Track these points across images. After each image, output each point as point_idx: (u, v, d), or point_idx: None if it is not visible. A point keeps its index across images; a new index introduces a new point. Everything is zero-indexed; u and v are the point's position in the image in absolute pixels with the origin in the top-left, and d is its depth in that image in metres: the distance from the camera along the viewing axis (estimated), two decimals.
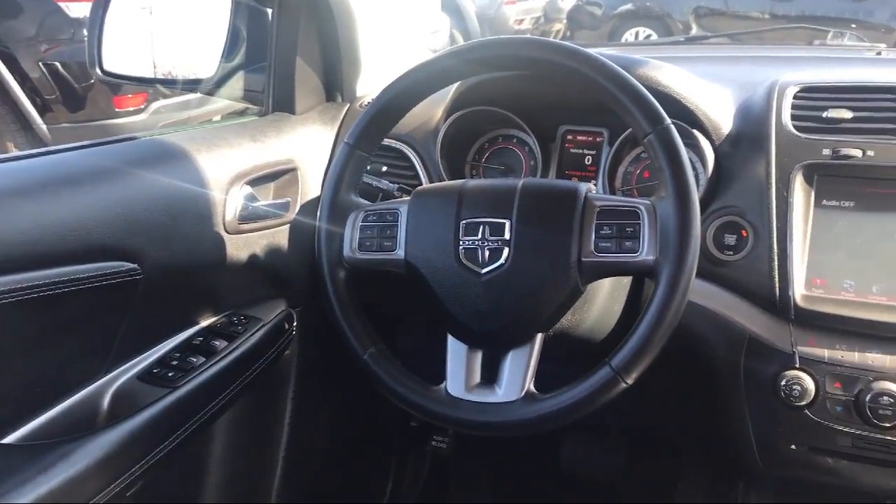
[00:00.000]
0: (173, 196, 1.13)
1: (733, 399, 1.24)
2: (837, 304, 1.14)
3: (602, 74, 1.00)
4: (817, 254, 1.16)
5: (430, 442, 1.97)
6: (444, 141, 1.41)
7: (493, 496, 2.02)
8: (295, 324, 1.38)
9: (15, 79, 4.21)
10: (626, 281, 1.16)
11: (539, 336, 1.02)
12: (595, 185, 1.36)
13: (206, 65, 1.54)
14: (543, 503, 1.96)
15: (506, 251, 1.02)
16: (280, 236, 1.33)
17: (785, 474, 1.33)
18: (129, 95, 4.45)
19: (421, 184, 1.40)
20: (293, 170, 1.37)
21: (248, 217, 1.26)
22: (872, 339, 1.13)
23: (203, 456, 1.33)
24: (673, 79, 1.28)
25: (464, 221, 1.04)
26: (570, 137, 1.43)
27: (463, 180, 1.11)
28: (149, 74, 1.57)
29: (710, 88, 1.33)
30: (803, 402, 1.14)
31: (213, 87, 1.58)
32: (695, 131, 1.26)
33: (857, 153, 1.15)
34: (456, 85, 1.39)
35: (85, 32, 1.50)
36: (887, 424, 1.11)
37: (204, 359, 1.18)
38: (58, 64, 4.28)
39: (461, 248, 1.03)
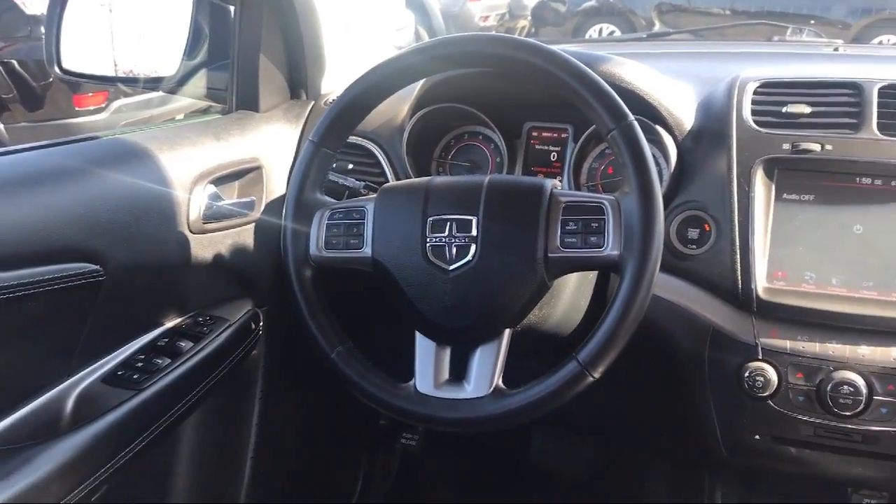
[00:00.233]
0: (136, 196, 1.12)
1: (698, 391, 1.26)
2: (798, 296, 1.17)
3: (565, 71, 1.01)
4: (778, 247, 1.18)
5: (400, 440, 1.97)
6: (410, 138, 1.41)
7: (463, 493, 2.03)
8: (261, 323, 1.37)
9: None
10: (592, 276, 1.17)
11: (507, 332, 1.03)
12: (560, 181, 1.37)
13: (168, 63, 1.53)
14: (513, 499, 1.96)
15: (473, 248, 1.02)
16: (245, 235, 1.32)
17: (749, 464, 1.35)
18: (90, 94, 4.39)
19: (387, 181, 1.40)
20: (258, 168, 1.36)
21: (213, 216, 1.24)
22: (833, 330, 1.16)
23: (170, 458, 1.32)
24: (635, 75, 1.29)
25: (431, 218, 1.04)
26: (535, 134, 1.44)
27: (429, 177, 1.11)
28: (109, 73, 1.54)
29: (672, 84, 1.35)
30: (766, 393, 1.16)
31: (176, 85, 1.57)
32: (657, 127, 1.27)
33: (816, 147, 1.17)
34: (421, 82, 1.39)
35: (42, 30, 1.48)
36: (847, 413, 1.13)
37: (169, 360, 1.16)
38: (14, 62, 4.20)
39: (428, 245, 1.04)
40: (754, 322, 1.18)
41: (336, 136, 1.13)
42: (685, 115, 1.30)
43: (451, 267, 1.02)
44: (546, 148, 1.43)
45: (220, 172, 1.27)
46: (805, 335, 1.16)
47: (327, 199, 1.14)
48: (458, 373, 1.05)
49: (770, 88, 1.25)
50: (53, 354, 1.06)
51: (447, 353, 1.06)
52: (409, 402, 1.05)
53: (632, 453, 1.94)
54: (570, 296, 1.11)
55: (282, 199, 1.27)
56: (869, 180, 1.16)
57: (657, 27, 6.49)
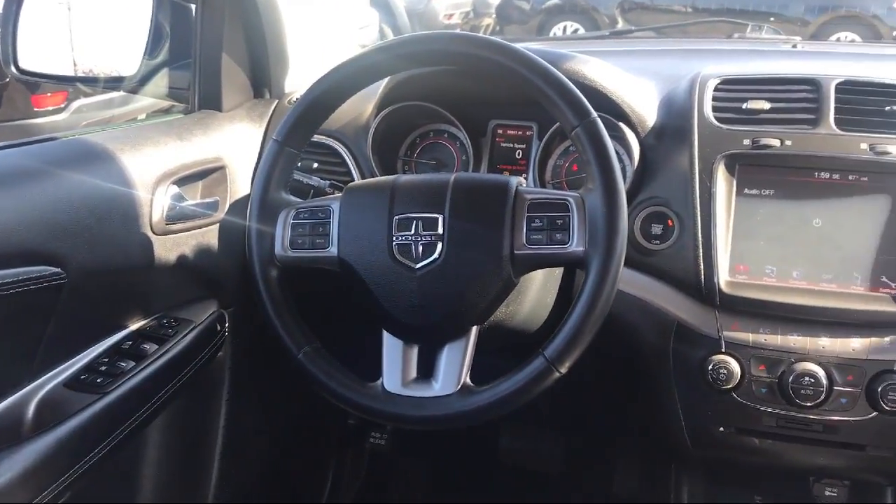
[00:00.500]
0: (97, 197, 1.10)
1: (663, 384, 1.27)
2: (760, 289, 1.19)
3: (529, 69, 1.02)
4: (740, 241, 1.20)
5: (369, 439, 1.96)
6: (376, 136, 1.40)
7: (433, 491, 2.03)
8: (227, 325, 1.36)
9: None
10: (558, 272, 1.18)
11: (474, 329, 1.03)
12: (526, 178, 1.38)
13: (129, 62, 1.51)
14: (483, 497, 1.97)
15: (439, 246, 1.02)
16: (210, 236, 1.31)
17: (714, 456, 1.37)
18: (49, 94, 4.31)
19: (353, 180, 1.39)
20: (221, 168, 1.34)
21: (176, 217, 1.23)
22: (793, 323, 1.18)
23: (136, 462, 1.30)
24: (599, 73, 1.30)
25: (397, 217, 1.04)
26: (500, 132, 1.45)
27: (395, 176, 1.11)
28: (68, 72, 1.52)
29: (634, 82, 1.36)
30: (730, 385, 1.18)
31: (137, 84, 1.55)
32: (621, 124, 1.28)
33: (776, 143, 1.19)
34: (386, 80, 1.38)
35: None
36: (809, 404, 1.15)
37: (134, 363, 1.15)
38: None
39: (395, 243, 1.03)
40: (717, 316, 1.20)
41: (300, 135, 1.12)
42: (648, 112, 1.31)
43: (418, 265, 1.02)
44: (511, 146, 1.44)
45: (183, 173, 1.26)
46: (767, 328, 1.18)
47: (292, 198, 1.14)
48: (426, 371, 1.05)
49: (730, 85, 1.27)
50: (14, 359, 1.04)
51: (415, 352, 1.06)
52: (377, 401, 1.05)
53: (600, 448, 1.95)
54: (536, 292, 1.12)
55: (246, 199, 1.26)
56: (827, 175, 1.19)
57: (620, 25, 6.54)
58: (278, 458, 1.72)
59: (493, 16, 8.14)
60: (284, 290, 1.10)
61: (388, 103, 1.41)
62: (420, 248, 1.02)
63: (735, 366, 1.18)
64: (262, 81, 1.53)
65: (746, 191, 1.21)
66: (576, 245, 0.99)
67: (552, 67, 1.02)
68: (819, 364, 1.15)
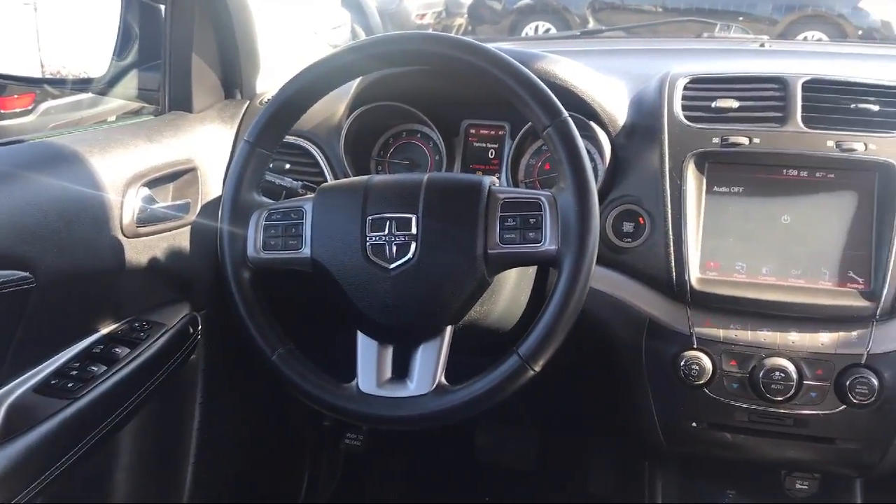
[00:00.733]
0: (66, 200, 1.09)
1: (636, 381, 1.28)
2: (730, 285, 1.20)
3: (501, 69, 1.02)
4: (710, 238, 1.22)
5: (344, 440, 1.96)
6: (348, 137, 1.40)
7: (409, 491, 2.03)
8: (200, 327, 1.35)
9: None
10: (532, 271, 1.18)
11: (448, 329, 1.03)
12: (498, 177, 1.39)
13: (97, 63, 1.49)
14: (460, 495, 1.97)
15: (413, 246, 1.02)
16: (181, 238, 1.30)
17: (688, 451, 1.39)
18: (16, 96, 4.24)
19: (325, 180, 1.39)
20: (192, 170, 1.33)
21: (147, 220, 1.22)
22: (764, 318, 1.19)
23: (108, 467, 1.29)
24: (570, 72, 1.31)
25: (370, 217, 1.04)
26: (473, 131, 1.45)
27: (368, 176, 1.11)
28: (36, 74, 1.51)
29: (605, 81, 1.37)
30: (702, 381, 1.20)
31: (106, 86, 1.53)
32: (592, 123, 1.29)
33: (744, 141, 1.20)
34: (358, 80, 1.38)
35: None
36: (779, 398, 1.17)
37: (105, 367, 1.14)
38: None
39: (368, 244, 1.03)
40: (689, 312, 1.21)
41: (272, 135, 1.11)
42: (618, 111, 1.32)
43: (392, 265, 1.02)
44: (484, 145, 1.44)
45: (153, 175, 1.25)
46: (737, 324, 1.20)
47: (264, 199, 1.13)
48: (401, 371, 1.05)
49: (699, 84, 1.29)
50: None
51: (389, 352, 1.06)
52: (352, 402, 1.05)
53: (575, 445, 1.97)
54: (510, 291, 1.12)
55: (218, 200, 1.25)
56: (795, 172, 1.20)
57: (591, 25, 6.58)
58: (253, 461, 1.71)
59: (466, 16, 8.15)
60: (257, 291, 1.10)
61: (361, 104, 1.40)
62: (394, 249, 1.02)
63: (707, 361, 1.19)
64: (234, 82, 1.52)
65: (716, 188, 1.23)
66: (549, 244, 0.99)
67: (523, 67, 1.02)
68: (789, 359, 1.17)
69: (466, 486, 1.99)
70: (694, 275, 1.20)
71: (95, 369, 1.13)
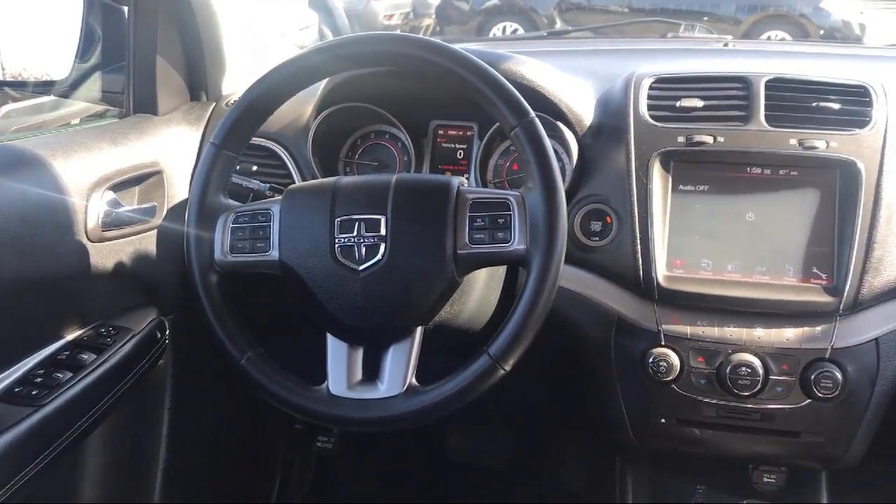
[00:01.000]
0: (29, 204, 1.07)
1: (605, 378, 1.29)
2: (697, 282, 1.21)
3: (468, 70, 1.02)
4: (676, 236, 1.23)
5: (316, 443, 1.95)
6: (316, 138, 1.39)
7: (382, 493, 2.02)
8: (168, 332, 1.33)
9: None
10: (502, 271, 1.19)
11: (419, 329, 1.03)
12: (467, 178, 1.39)
13: (60, 65, 1.47)
14: (432, 495, 1.97)
15: (382, 247, 1.02)
16: (147, 242, 1.28)
17: (657, 447, 1.40)
18: None
19: (293, 182, 1.38)
20: (158, 173, 1.32)
21: (113, 223, 1.20)
22: (730, 314, 1.21)
23: (76, 474, 1.27)
24: (536, 73, 1.32)
25: (339, 219, 1.03)
26: (441, 132, 1.45)
27: (336, 177, 1.10)
28: None
29: (572, 81, 1.38)
30: (670, 377, 1.21)
31: (69, 88, 1.51)
32: (559, 123, 1.30)
33: (709, 139, 1.22)
34: (325, 81, 1.38)
35: None
36: (746, 393, 1.19)
37: (71, 374, 1.12)
38: None
39: (337, 245, 1.03)
40: (656, 309, 1.23)
41: (238, 137, 1.10)
42: (585, 111, 1.33)
43: (361, 267, 1.02)
44: (452, 146, 1.45)
45: (118, 178, 1.23)
46: (704, 320, 1.21)
47: (231, 202, 1.12)
48: (372, 373, 1.05)
49: (664, 84, 1.30)
50: None
51: (360, 354, 1.06)
52: (322, 405, 1.04)
53: (546, 443, 1.98)
54: (480, 291, 1.12)
55: (184, 203, 1.24)
56: (759, 170, 1.22)
57: (558, 25, 6.62)
58: (224, 465, 1.70)
59: (433, 17, 8.15)
60: (225, 295, 1.09)
61: (328, 105, 1.40)
62: (363, 250, 1.02)
63: (675, 358, 1.21)
64: (199, 84, 1.51)
65: (682, 187, 1.24)
66: (517, 243, 0.99)
67: (490, 68, 1.03)
68: (755, 354, 1.19)
69: (439, 487, 2.00)
70: (661, 272, 1.21)
71: (61, 376, 1.11)
